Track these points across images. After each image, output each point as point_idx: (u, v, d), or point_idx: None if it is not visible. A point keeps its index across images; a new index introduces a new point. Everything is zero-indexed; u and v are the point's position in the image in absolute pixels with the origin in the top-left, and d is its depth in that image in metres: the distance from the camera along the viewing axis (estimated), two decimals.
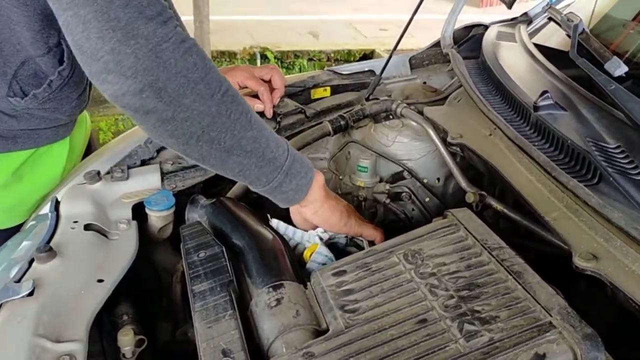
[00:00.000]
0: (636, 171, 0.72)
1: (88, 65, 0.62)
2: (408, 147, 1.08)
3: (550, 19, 1.25)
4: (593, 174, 0.75)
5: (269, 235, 0.81)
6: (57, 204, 0.90)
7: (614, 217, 0.67)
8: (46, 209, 0.91)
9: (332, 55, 6.12)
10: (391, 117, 1.12)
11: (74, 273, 0.74)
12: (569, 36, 1.04)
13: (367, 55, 6.09)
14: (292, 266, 0.75)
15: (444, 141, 1.01)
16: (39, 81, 0.92)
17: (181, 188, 0.98)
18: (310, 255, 0.81)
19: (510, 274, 0.64)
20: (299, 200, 0.80)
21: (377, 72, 1.28)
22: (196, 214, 0.93)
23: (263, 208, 0.92)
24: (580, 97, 0.92)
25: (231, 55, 5.85)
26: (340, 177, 1.13)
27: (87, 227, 0.84)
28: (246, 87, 1.14)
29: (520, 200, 0.80)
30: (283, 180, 0.76)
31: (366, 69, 1.36)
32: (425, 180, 1.09)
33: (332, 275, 0.69)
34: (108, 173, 0.97)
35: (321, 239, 0.85)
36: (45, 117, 0.97)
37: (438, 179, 1.10)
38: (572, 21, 1.05)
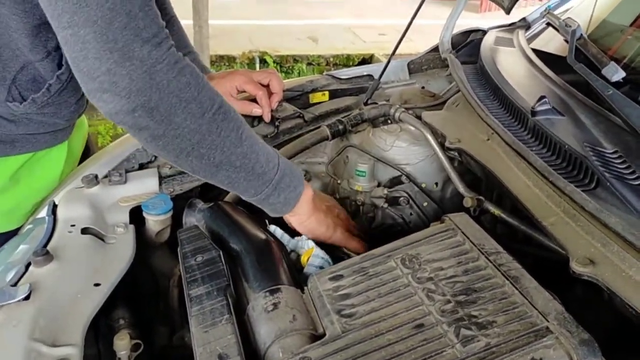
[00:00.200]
0: (633, 176, 0.72)
1: (84, 83, 0.66)
2: (406, 151, 1.08)
3: (548, 24, 1.25)
4: (590, 179, 0.75)
5: (266, 239, 0.81)
6: (54, 208, 0.90)
7: (611, 222, 0.67)
8: (43, 212, 0.91)
9: (331, 59, 6.13)
10: (389, 121, 1.12)
11: (71, 277, 0.74)
12: (566, 41, 1.04)
13: (366, 60, 6.11)
14: (289, 270, 0.75)
15: (442, 146, 1.01)
16: (38, 86, 0.92)
17: (179, 192, 0.98)
18: (307, 259, 0.81)
19: (507, 279, 0.64)
20: (286, 211, 0.84)
21: (376, 76, 1.28)
22: (194, 218, 0.93)
23: (261, 212, 0.91)
24: (577, 102, 0.92)
25: (230, 60, 5.86)
26: (339, 182, 1.13)
27: (85, 230, 0.84)
28: (244, 91, 1.14)
29: (518, 205, 0.80)
30: (271, 193, 0.80)
31: (365, 74, 1.37)
32: (423, 185, 1.09)
33: (329, 279, 0.69)
34: (106, 177, 0.97)
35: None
36: (44, 121, 0.97)
37: (436, 184, 1.10)
38: (570, 26, 1.05)
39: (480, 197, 0.88)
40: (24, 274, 0.73)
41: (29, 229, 0.92)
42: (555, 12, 1.27)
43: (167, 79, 0.65)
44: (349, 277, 0.69)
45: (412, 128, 1.08)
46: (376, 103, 1.17)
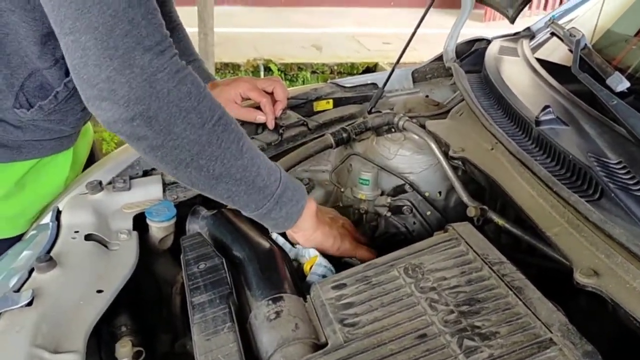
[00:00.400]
0: (638, 187, 0.71)
1: (83, 90, 0.64)
2: (410, 160, 1.08)
3: (552, 34, 1.25)
4: (594, 189, 0.75)
5: (269, 247, 0.81)
6: (58, 214, 0.90)
7: (615, 233, 0.67)
8: (47, 218, 0.91)
9: (336, 68, 6.14)
10: (393, 130, 1.12)
11: (74, 283, 0.74)
12: (571, 51, 1.04)
13: (371, 69, 6.12)
14: (292, 279, 0.74)
15: (445, 155, 1.01)
16: (45, 93, 0.92)
17: (182, 199, 0.99)
18: (310, 268, 0.81)
19: (511, 290, 0.64)
20: (288, 227, 0.82)
21: (380, 85, 1.29)
22: (197, 225, 0.93)
23: None
24: (582, 112, 0.92)
25: (235, 67, 5.88)
26: (342, 190, 1.13)
27: (88, 237, 0.84)
28: (249, 99, 1.14)
29: (522, 215, 0.80)
30: (273, 207, 0.78)
31: (369, 82, 1.37)
32: (426, 194, 1.09)
33: (332, 288, 0.69)
34: (110, 183, 0.97)
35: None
36: (50, 128, 0.98)
37: (439, 193, 1.09)
38: (575, 36, 1.05)
39: (484, 207, 0.88)
40: (27, 279, 0.73)
41: (33, 234, 0.92)
42: (560, 22, 1.28)
43: (167, 87, 0.64)
44: (351, 286, 0.69)
45: (416, 137, 1.08)
46: (380, 111, 1.18)
